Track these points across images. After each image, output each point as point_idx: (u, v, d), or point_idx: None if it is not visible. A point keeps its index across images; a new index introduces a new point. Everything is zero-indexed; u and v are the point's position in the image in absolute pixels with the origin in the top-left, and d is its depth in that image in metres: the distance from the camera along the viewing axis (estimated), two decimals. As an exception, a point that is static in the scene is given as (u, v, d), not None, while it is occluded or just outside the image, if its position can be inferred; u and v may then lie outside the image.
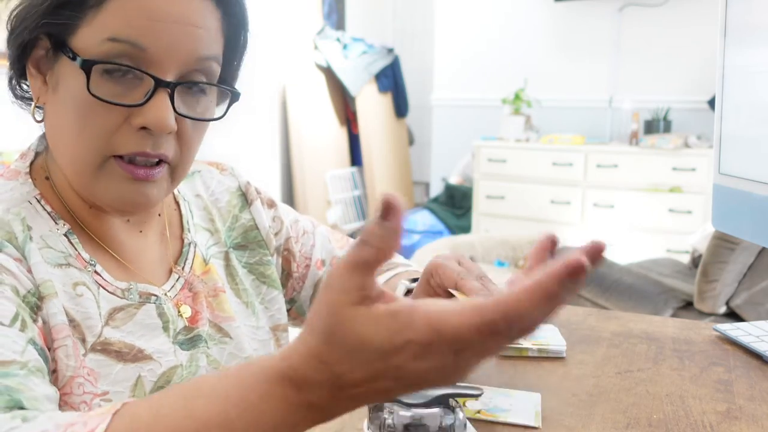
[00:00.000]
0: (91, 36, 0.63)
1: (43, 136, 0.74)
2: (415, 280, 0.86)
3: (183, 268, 0.78)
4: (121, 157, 0.66)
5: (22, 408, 0.54)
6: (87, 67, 0.63)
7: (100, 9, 0.63)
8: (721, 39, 0.92)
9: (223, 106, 0.73)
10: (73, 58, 0.64)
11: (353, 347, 0.42)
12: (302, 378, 0.44)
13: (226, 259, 0.84)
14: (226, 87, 0.71)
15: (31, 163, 0.72)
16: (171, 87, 0.65)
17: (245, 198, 0.89)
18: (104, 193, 0.67)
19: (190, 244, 0.80)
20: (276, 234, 0.90)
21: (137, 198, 0.68)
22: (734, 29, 0.91)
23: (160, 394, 0.49)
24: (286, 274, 0.92)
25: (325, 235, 0.96)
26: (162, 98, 0.64)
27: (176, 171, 0.70)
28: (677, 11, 4.18)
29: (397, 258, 0.95)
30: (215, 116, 0.71)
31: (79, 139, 0.65)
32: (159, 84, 0.64)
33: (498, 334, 0.40)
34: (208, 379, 0.49)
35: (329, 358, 0.43)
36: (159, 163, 0.68)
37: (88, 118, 0.64)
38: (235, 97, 0.72)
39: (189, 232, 0.81)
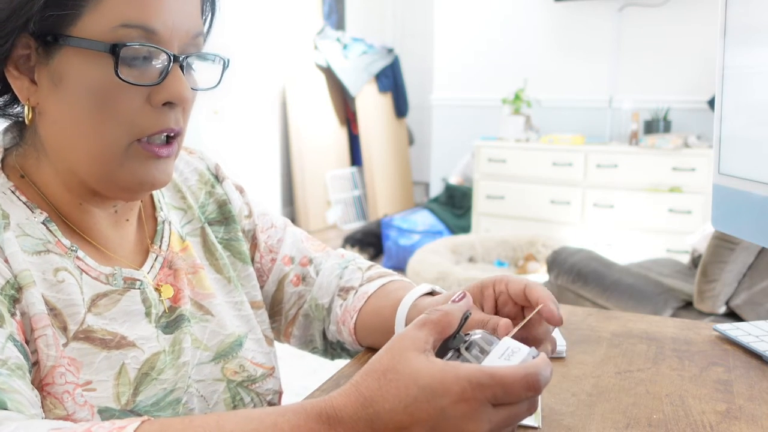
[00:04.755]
0: (98, 22, 0.63)
1: (5, 133, 0.73)
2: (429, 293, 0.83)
3: (160, 247, 0.78)
4: (138, 140, 0.67)
5: (5, 409, 0.54)
6: (116, 51, 0.63)
7: None
8: (721, 39, 0.92)
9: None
10: (87, 47, 0.63)
11: (405, 384, 0.50)
12: (339, 415, 0.50)
13: (203, 234, 0.84)
14: (222, 56, 0.73)
15: (2, 161, 0.71)
16: (182, 61, 0.67)
17: (216, 176, 0.89)
18: (130, 177, 0.68)
19: (164, 222, 0.80)
20: (246, 217, 0.90)
21: (160, 176, 0.70)
22: (734, 29, 0.91)
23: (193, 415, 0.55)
24: (251, 262, 0.90)
25: (297, 235, 0.94)
26: (178, 72, 0.67)
27: (179, 144, 0.72)
28: (677, 11, 4.18)
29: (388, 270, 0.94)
30: (210, 86, 0.74)
31: (102, 127, 0.65)
32: (174, 59, 0.66)
33: (534, 390, 0.50)
34: (245, 409, 0.58)
35: (375, 396, 0.50)
36: (169, 140, 0.70)
37: (112, 104, 0.65)
38: (227, 65, 0.74)
39: (162, 210, 0.81)
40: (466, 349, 0.56)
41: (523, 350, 0.54)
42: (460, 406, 0.49)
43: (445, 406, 0.49)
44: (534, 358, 0.53)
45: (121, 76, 0.64)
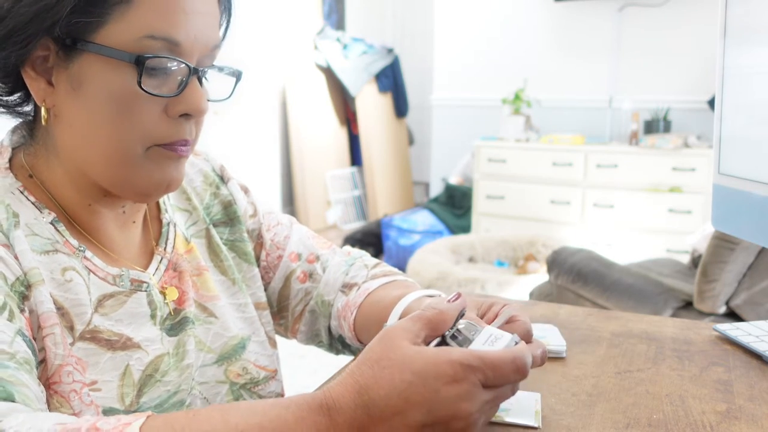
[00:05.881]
0: (123, 32, 0.63)
1: (13, 132, 0.73)
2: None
3: (165, 249, 0.78)
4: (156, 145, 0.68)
5: (12, 401, 0.54)
6: (140, 63, 0.63)
7: (130, 4, 0.63)
8: (721, 39, 0.92)
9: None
10: (111, 56, 0.64)
11: (399, 370, 0.51)
12: (338, 405, 0.52)
13: (207, 236, 0.84)
14: (236, 69, 0.74)
15: (10, 160, 0.71)
16: (200, 73, 0.68)
17: (221, 177, 0.89)
18: (147, 180, 0.69)
19: (169, 223, 0.80)
20: (251, 217, 0.90)
21: (176, 176, 0.71)
22: (734, 30, 0.91)
23: (197, 408, 0.58)
24: (256, 261, 0.91)
25: (303, 232, 0.94)
26: (196, 84, 0.68)
27: (191, 149, 0.73)
28: (677, 11, 4.18)
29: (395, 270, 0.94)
30: (224, 97, 0.75)
31: (119, 134, 0.66)
32: (193, 72, 0.67)
33: (522, 373, 0.53)
34: (248, 401, 0.58)
35: (370, 383, 0.52)
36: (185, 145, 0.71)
37: (131, 112, 0.65)
38: (240, 77, 0.75)
39: (167, 212, 0.81)
40: (452, 337, 0.58)
41: (506, 336, 0.57)
42: (454, 387, 0.51)
43: (439, 388, 0.51)
44: (516, 344, 0.56)
45: (143, 87, 0.64)
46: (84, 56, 0.64)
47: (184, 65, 0.66)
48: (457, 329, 0.58)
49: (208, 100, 0.71)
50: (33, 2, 0.63)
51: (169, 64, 0.65)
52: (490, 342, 0.56)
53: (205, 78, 0.71)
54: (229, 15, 0.75)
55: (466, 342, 0.57)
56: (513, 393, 0.56)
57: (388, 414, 0.51)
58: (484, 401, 0.52)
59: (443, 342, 0.58)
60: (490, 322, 0.70)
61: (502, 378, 0.53)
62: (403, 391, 0.51)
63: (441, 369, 0.51)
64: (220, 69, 0.72)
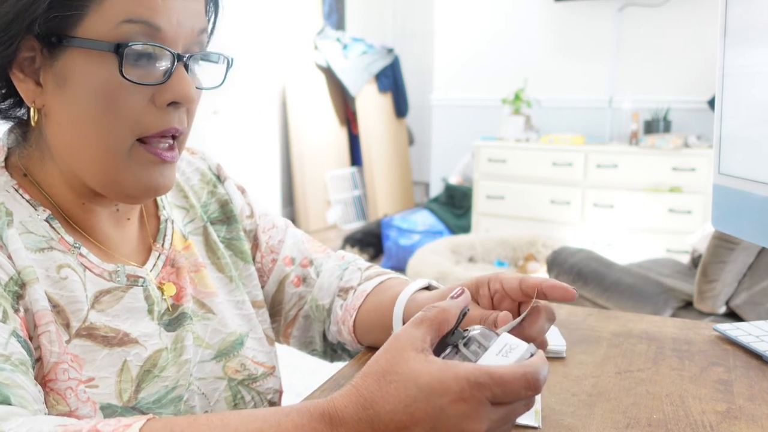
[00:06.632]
0: (101, 22, 0.63)
1: (11, 131, 0.73)
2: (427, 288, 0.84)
3: (163, 245, 0.78)
4: (142, 142, 0.67)
5: (9, 404, 0.54)
6: (120, 51, 0.63)
7: None
8: (721, 39, 0.92)
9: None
10: (92, 47, 0.63)
11: (405, 385, 0.50)
12: (341, 416, 0.51)
13: (205, 234, 0.84)
14: (226, 56, 0.73)
15: (5, 160, 0.71)
16: (186, 60, 0.67)
17: (218, 176, 0.89)
18: (135, 182, 0.68)
19: (166, 220, 0.80)
20: (248, 217, 0.90)
21: (165, 182, 0.70)
22: (734, 29, 0.91)
23: (197, 414, 0.55)
24: (252, 262, 0.91)
25: (298, 236, 0.94)
26: (182, 72, 0.67)
27: (182, 146, 0.72)
28: (677, 11, 4.18)
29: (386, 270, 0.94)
30: (213, 85, 0.74)
31: (107, 127, 0.66)
32: (178, 58, 0.66)
33: (534, 389, 0.50)
34: (248, 409, 0.58)
35: (375, 397, 0.50)
36: (171, 144, 0.70)
37: (118, 103, 0.65)
38: (230, 64, 0.74)
39: (164, 209, 0.81)
40: (465, 345, 0.56)
41: (521, 347, 0.54)
42: (459, 405, 0.49)
43: (444, 406, 0.49)
44: (532, 354, 0.53)
45: (125, 75, 0.64)
46: (67, 52, 0.64)
47: (167, 52, 0.65)
48: (471, 336, 0.56)
49: (199, 88, 0.70)
50: (14, 3, 0.63)
51: (151, 51, 0.65)
52: (504, 353, 0.54)
53: (197, 63, 0.70)
54: (216, 4, 0.74)
55: (481, 349, 0.55)
56: (528, 408, 0.53)
57: (392, 429, 0.50)
58: (493, 419, 0.50)
59: (455, 349, 0.56)
60: (486, 305, 0.72)
61: (512, 395, 0.50)
62: (408, 406, 0.50)
63: (447, 385, 0.49)
64: (208, 56, 0.71)
